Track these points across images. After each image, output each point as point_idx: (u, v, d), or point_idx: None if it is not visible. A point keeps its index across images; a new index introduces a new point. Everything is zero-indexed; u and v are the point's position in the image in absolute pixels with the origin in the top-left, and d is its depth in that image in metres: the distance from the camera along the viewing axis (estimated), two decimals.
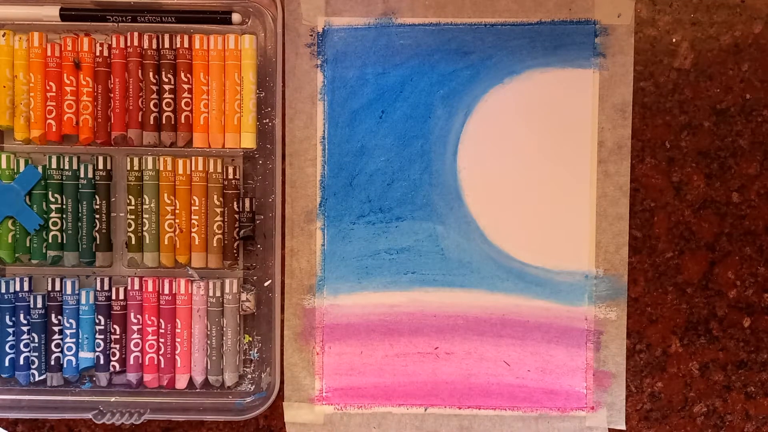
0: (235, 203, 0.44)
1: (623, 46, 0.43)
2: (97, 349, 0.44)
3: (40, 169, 0.43)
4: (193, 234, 0.43)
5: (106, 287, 0.44)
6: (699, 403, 0.45)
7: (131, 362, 0.44)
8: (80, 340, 0.44)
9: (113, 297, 0.44)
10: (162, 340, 0.44)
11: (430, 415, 0.45)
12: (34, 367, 0.44)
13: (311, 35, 0.44)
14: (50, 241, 0.43)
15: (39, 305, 0.43)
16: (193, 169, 0.43)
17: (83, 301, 0.43)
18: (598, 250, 0.44)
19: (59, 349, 0.44)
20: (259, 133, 0.44)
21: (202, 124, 0.43)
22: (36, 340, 0.43)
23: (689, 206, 0.44)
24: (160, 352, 0.44)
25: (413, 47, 0.44)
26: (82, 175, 0.43)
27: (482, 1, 0.43)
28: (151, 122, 0.43)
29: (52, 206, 0.43)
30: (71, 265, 0.43)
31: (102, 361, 0.44)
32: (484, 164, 0.44)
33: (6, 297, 0.43)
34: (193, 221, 0.43)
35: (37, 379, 0.44)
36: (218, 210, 0.43)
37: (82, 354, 0.44)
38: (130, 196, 0.43)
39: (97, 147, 0.43)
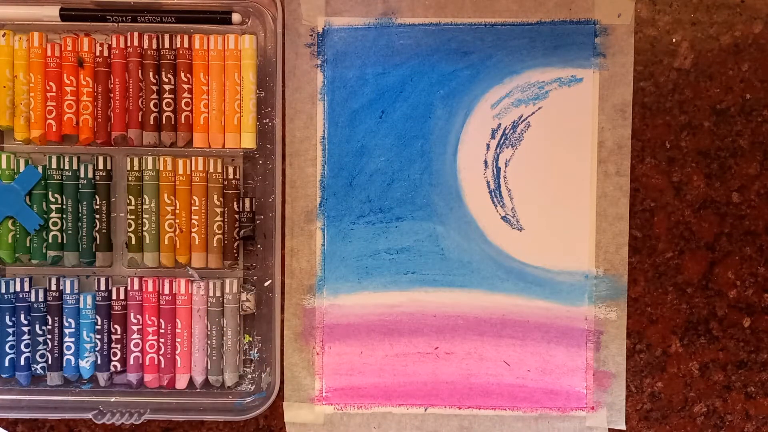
0: (235, 203, 0.44)
1: (623, 46, 0.43)
2: (97, 350, 0.44)
3: (40, 169, 0.43)
4: (193, 234, 0.43)
5: (105, 287, 0.44)
6: (699, 403, 0.45)
7: (131, 362, 0.44)
8: (80, 345, 0.44)
9: (113, 297, 0.44)
10: (162, 340, 0.44)
11: (430, 415, 0.45)
12: (41, 363, 0.44)
13: (311, 35, 0.44)
14: (50, 241, 0.43)
15: (40, 298, 0.43)
16: (193, 169, 0.43)
17: (82, 304, 0.43)
18: (598, 250, 0.44)
19: (55, 347, 0.44)
20: (259, 133, 0.44)
21: (202, 124, 0.43)
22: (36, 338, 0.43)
23: (689, 206, 0.44)
24: (161, 352, 0.44)
25: (413, 47, 0.44)
26: (82, 175, 0.43)
27: (482, 1, 0.43)
28: (151, 122, 0.43)
29: (52, 206, 0.43)
30: (71, 265, 0.43)
31: (102, 361, 0.44)
32: (484, 164, 0.44)
33: (6, 297, 0.43)
34: (193, 221, 0.43)
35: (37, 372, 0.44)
36: (218, 210, 0.43)
37: (81, 363, 0.44)
38: (130, 196, 0.43)
39: (97, 147, 0.43)
